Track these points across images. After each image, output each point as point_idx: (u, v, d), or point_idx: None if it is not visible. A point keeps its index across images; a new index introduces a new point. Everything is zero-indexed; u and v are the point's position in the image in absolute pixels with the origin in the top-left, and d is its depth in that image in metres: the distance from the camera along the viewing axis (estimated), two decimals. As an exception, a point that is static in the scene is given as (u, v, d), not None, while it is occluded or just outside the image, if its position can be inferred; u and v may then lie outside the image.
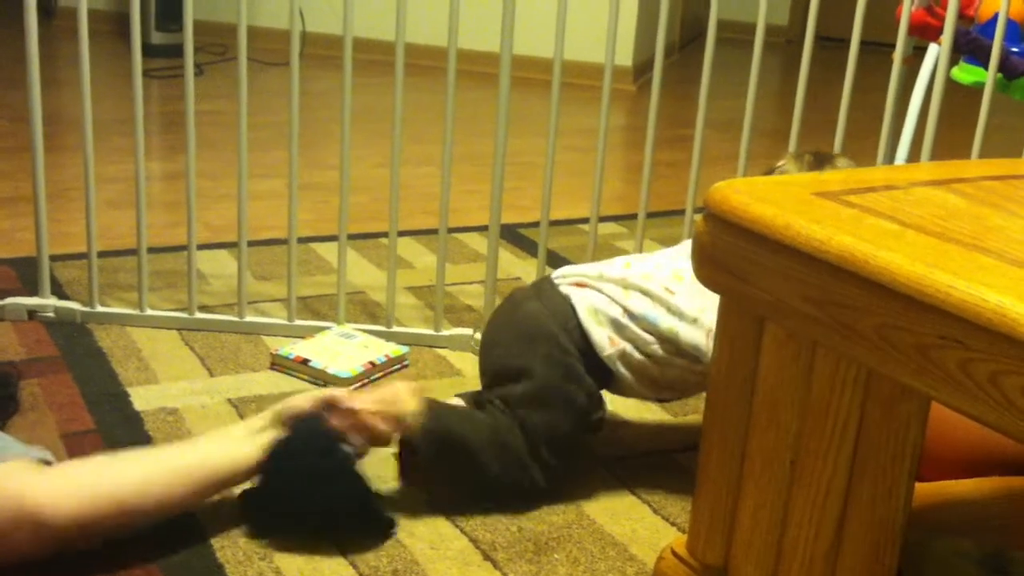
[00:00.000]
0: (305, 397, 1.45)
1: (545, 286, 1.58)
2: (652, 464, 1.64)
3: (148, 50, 4.03)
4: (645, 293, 1.53)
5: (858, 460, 1.10)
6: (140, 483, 1.31)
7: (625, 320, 1.51)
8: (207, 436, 1.46)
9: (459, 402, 1.56)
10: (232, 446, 1.39)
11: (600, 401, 1.54)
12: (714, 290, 1.22)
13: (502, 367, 1.54)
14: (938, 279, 0.97)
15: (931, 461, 1.38)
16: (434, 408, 1.48)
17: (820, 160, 1.63)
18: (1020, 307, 0.90)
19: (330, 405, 1.43)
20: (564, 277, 1.58)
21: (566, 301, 1.54)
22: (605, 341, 1.51)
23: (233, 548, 1.36)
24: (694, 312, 1.50)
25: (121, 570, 1.30)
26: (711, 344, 1.45)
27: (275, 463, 1.38)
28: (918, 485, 1.24)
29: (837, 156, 1.66)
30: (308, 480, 1.37)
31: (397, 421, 1.45)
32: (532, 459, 1.48)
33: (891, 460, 1.08)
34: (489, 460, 1.46)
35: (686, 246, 1.59)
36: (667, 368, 1.53)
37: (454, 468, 1.48)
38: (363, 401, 1.45)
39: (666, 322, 1.50)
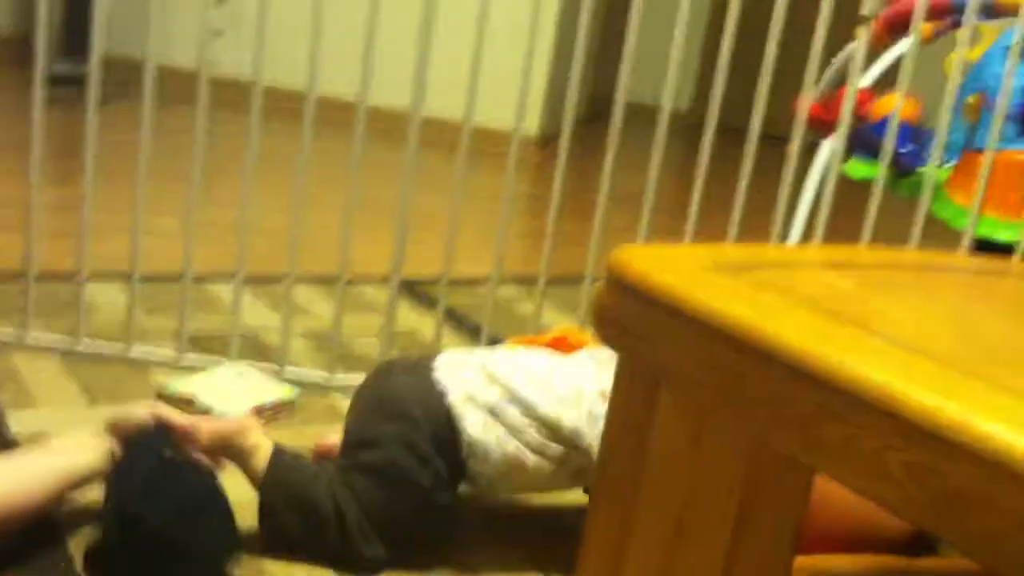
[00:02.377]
0: (142, 411, 1.42)
1: (418, 366, 1.53)
2: (539, 521, 1.64)
3: (50, 79, 3.99)
4: (526, 377, 1.50)
5: (742, 529, 1.12)
6: None
7: (504, 403, 1.47)
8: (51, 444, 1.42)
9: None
10: (79, 450, 1.36)
11: (448, 485, 1.48)
12: (613, 349, 1.25)
13: (356, 435, 1.50)
14: (827, 354, 1.00)
15: (808, 534, 1.42)
16: (280, 460, 1.45)
17: None
18: (904, 386, 0.94)
19: (166, 425, 1.41)
20: (442, 363, 1.52)
21: (435, 382, 1.48)
22: (479, 426, 1.46)
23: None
24: (573, 393, 1.49)
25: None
26: (592, 425, 1.48)
27: (126, 490, 1.35)
28: (798, 559, 1.28)
29: None
30: (176, 509, 1.34)
31: (233, 455, 1.43)
32: (364, 536, 1.44)
33: (774, 530, 1.11)
34: (328, 526, 1.43)
35: (565, 359, 1.60)
36: (540, 457, 1.49)
37: (295, 525, 1.44)
38: (201, 429, 1.43)
39: (547, 406, 1.48)
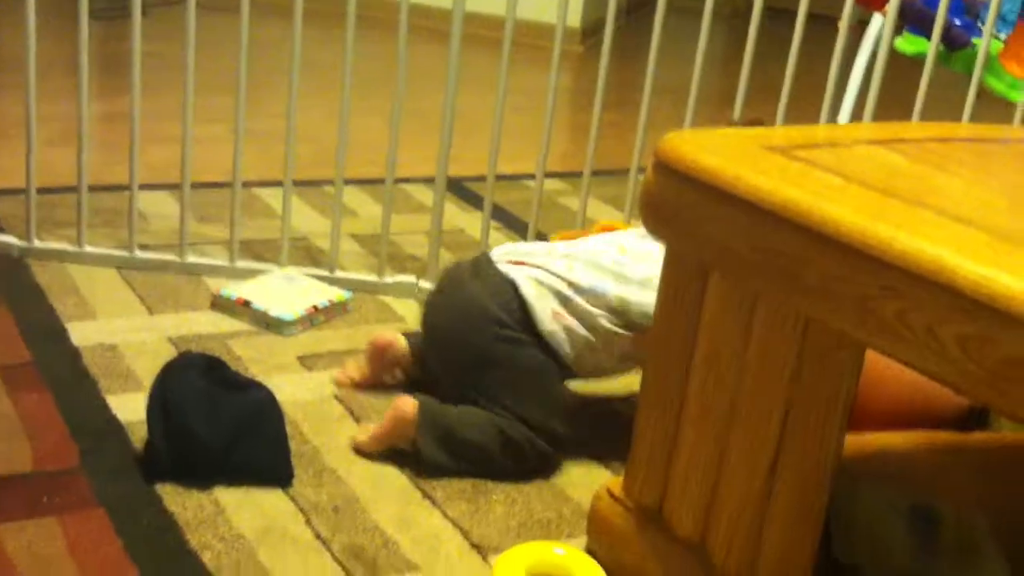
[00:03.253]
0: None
1: (483, 264, 1.54)
2: (590, 412, 1.66)
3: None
4: (591, 264, 1.51)
5: (793, 407, 1.13)
6: None
7: (571, 293, 1.49)
8: None
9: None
10: None
11: (556, 346, 1.50)
12: (660, 239, 1.25)
13: (461, 360, 1.51)
14: (879, 231, 0.99)
15: (862, 414, 1.42)
16: (431, 416, 1.46)
17: (755, 127, 1.63)
18: (957, 259, 0.93)
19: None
20: (504, 255, 1.55)
21: (505, 279, 1.50)
22: (548, 314, 1.48)
23: (171, 482, 1.36)
24: (642, 278, 1.50)
25: (61, 507, 1.30)
26: None
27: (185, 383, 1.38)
28: (849, 437, 1.29)
29: (762, 121, 1.66)
30: (227, 403, 1.38)
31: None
32: (541, 437, 1.46)
33: (824, 407, 1.11)
34: (501, 459, 1.45)
35: (622, 233, 1.60)
36: (610, 344, 1.50)
37: (468, 467, 1.46)
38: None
39: (615, 291, 1.49)
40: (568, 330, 1.49)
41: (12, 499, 1.30)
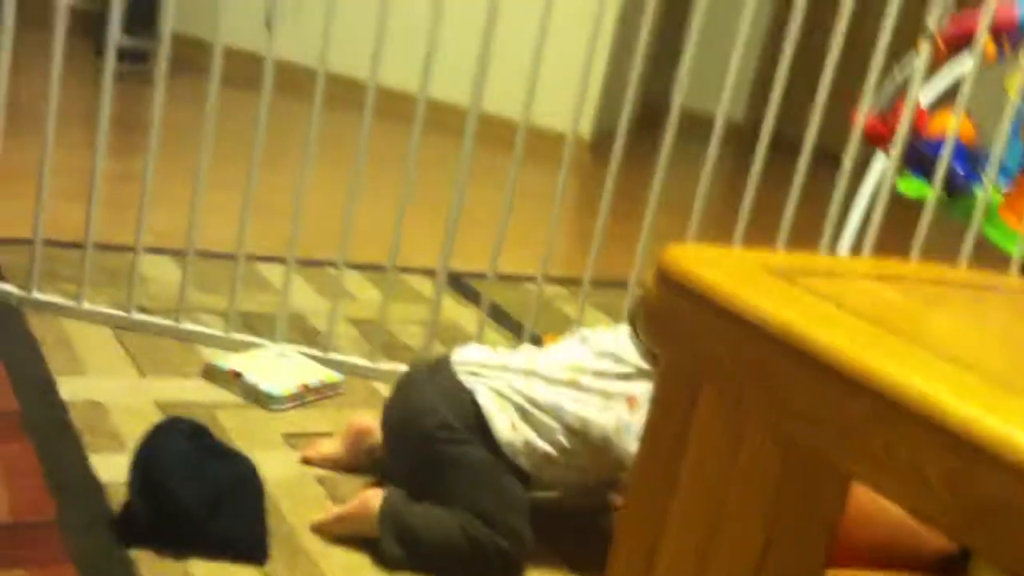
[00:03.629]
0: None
1: (443, 369, 1.54)
2: (569, 524, 1.66)
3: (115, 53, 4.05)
4: (549, 381, 1.51)
5: (776, 531, 1.13)
6: None
7: (529, 407, 1.49)
8: None
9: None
10: None
11: (513, 458, 1.49)
12: (658, 349, 1.26)
13: (413, 460, 1.52)
14: (870, 361, 1.01)
15: (845, 550, 1.42)
16: (393, 512, 1.46)
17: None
18: (946, 397, 0.95)
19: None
20: (464, 364, 1.54)
21: (462, 387, 1.50)
22: (507, 425, 1.48)
23: (145, 548, 1.35)
24: (601, 394, 1.49)
25: (33, 560, 1.29)
26: (621, 433, 1.48)
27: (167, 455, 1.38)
28: (833, 572, 1.28)
29: None
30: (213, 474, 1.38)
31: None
32: (501, 535, 1.45)
33: (808, 535, 1.12)
34: (463, 559, 1.44)
35: (579, 339, 1.59)
36: (572, 460, 1.50)
37: (426, 565, 1.45)
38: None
39: (572, 407, 1.48)
40: (527, 443, 1.48)
41: (-17, 548, 1.29)
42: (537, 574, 1.49)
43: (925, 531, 1.41)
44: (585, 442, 1.49)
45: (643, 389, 1.48)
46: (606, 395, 1.49)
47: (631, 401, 1.48)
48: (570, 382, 1.50)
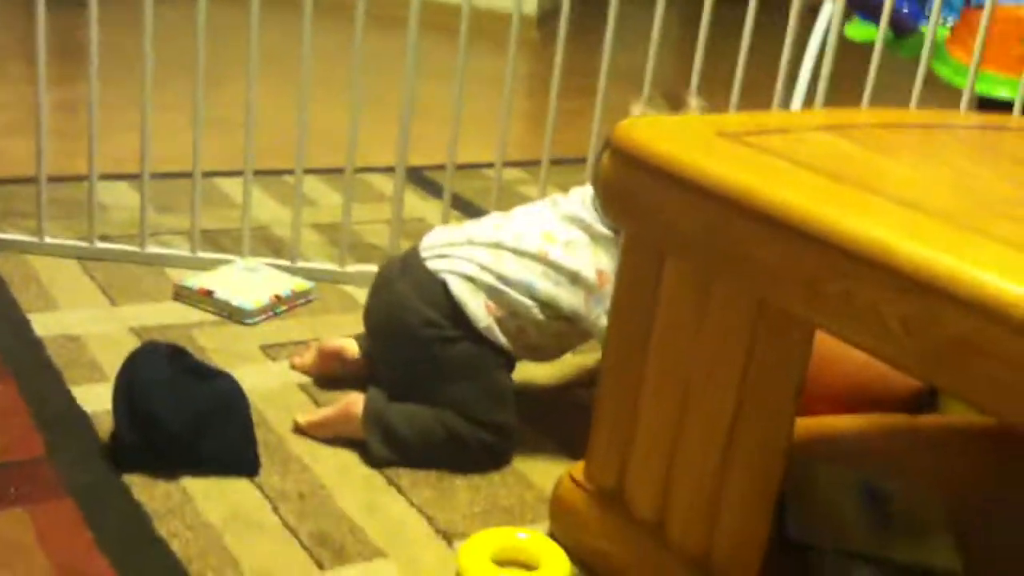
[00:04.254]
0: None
1: (412, 262, 1.54)
2: (550, 399, 1.69)
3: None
4: (519, 254, 1.50)
5: (747, 386, 1.16)
6: None
7: (501, 286, 1.49)
8: None
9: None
10: None
11: (497, 348, 1.51)
12: (618, 223, 1.28)
13: (398, 360, 1.52)
14: (826, 214, 1.03)
15: (814, 397, 1.46)
16: (376, 414, 1.48)
17: (673, 101, 1.62)
18: (899, 240, 0.97)
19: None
20: (431, 249, 1.54)
21: (434, 278, 1.50)
22: (482, 310, 1.49)
23: (139, 473, 1.37)
24: (570, 272, 1.49)
25: (29, 497, 1.31)
26: (591, 306, 1.50)
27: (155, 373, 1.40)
28: (803, 419, 1.32)
29: (689, 95, 1.65)
30: (197, 389, 1.41)
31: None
32: (483, 429, 1.47)
33: (777, 386, 1.15)
34: (446, 454, 1.47)
35: (549, 203, 1.58)
36: (545, 331, 1.52)
37: (414, 463, 1.48)
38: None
39: (543, 286, 1.49)
40: (500, 322, 1.49)
41: (-22, 490, 1.31)
42: (522, 455, 1.53)
43: (891, 372, 1.45)
44: (557, 315, 1.50)
45: (611, 260, 1.49)
46: (574, 272, 1.49)
47: (600, 275, 1.49)
48: (539, 255, 1.50)
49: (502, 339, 1.50)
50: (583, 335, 1.55)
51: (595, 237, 1.51)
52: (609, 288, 1.44)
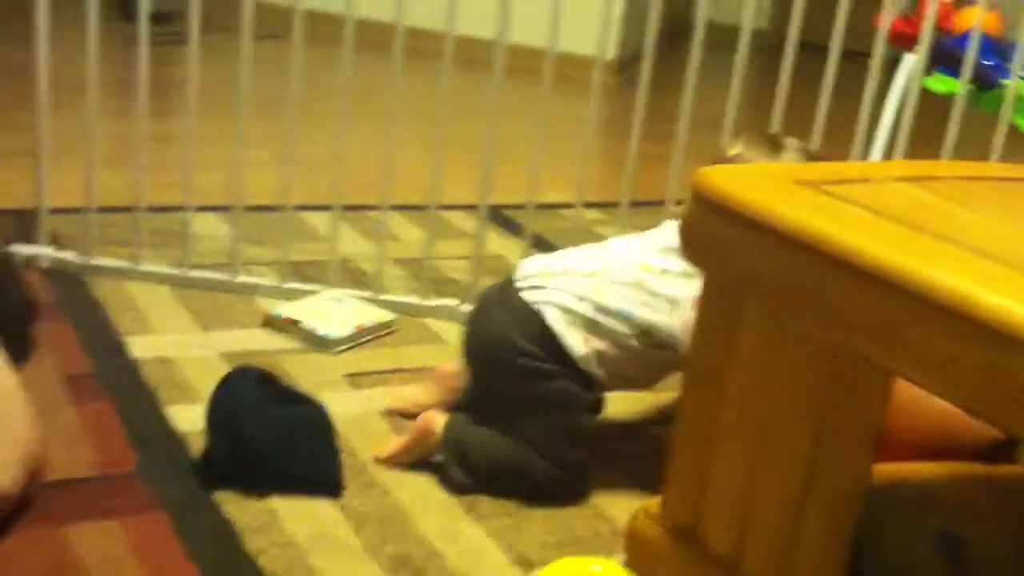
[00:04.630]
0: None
1: (509, 294, 1.57)
2: (626, 435, 1.72)
3: (135, 15, 4.08)
4: (616, 283, 1.53)
5: (824, 431, 1.18)
6: None
7: (599, 316, 1.51)
8: None
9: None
10: None
11: (590, 382, 1.54)
12: (698, 267, 1.31)
13: (491, 388, 1.57)
14: (905, 262, 1.05)
15: (891, 444, 1.47)
16: (454, 435, 1.53)
17: (774, 143, 1.64)
18: (980, 290, 0.99)
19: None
20: (526, 279, 1.57)
21: (530, 310, 1.53)
22: (579, 342, 1.51)
23: (228, 491, 1.43)
24: (668, 298, 1.52)
25: (124, 510, 1.37)
26: (688, 335, 1.52)
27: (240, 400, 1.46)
28: (879, 465, 1.33)
29: (787, 138, 1.67)
30: (282, 418, 1.46)
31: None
32: (555, 466, 1.51)
33: (854, 432, 1.17)
34: (513, 484, 1.51)
35: (648, 236, 1.62)
36: (640, 361, 1.54)
37: (484, 487, 1.52)
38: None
39: (641, 313, 1.52)
40: (599, 353, 1.52)
41: (77, 502, 1.37)
42: (597, 488, 1.56)
43: (969, 421, 1.45)
44: (653, 343, 1.53)
45: None
46: (672, 299, 1.52)
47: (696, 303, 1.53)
48: (636, 283, 1.53)
49: (597, 370, 1.52)
50: (676, 364, 1.57)
51: (689, 267, 1.55)
52: None
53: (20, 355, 1.62)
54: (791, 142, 1.65)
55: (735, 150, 1.65)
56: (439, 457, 1.53)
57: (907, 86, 2.11)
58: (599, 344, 1.52)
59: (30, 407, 1.35)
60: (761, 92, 3.88)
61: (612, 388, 1.59)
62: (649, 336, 1.52)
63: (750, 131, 1.70)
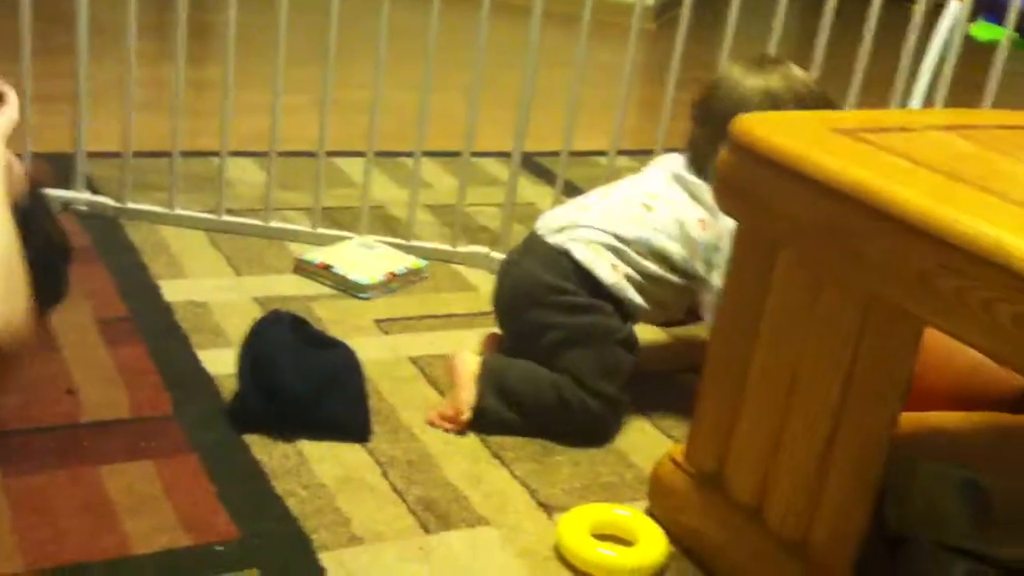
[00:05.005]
0: None
1: (532, 242, 1.63)
2: (653, 382, 1.72)
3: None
4: (629, 216, 1.59)
5: (853, 379, 1.18)
6: None
7: (620, 245, 1.57)
8: None
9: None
10: None
11: (625, 316, 1.58)
12: (733, 216, 1.30)
13: (524, 330, 1.59)
14: (941, 212, 1.04)
15: (920, 394, 1.46)
16: (492, 368, 1.54)
17: (760, 64, 1.63)
18: (1016, 241, 0.97)
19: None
20: (547, 227, 1.63)
21: (557, 250, 1.58)
22: (608, 270, 1.56)
23: (258, 433, 1.45)
24: (676, 222, 1.58)
25: (157, 451, 1.39)
26: (697, 257, 1.58)
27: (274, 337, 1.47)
28: (906, 415, 1.33)
29: (778, 63, 1.64)
30: (314, 357, 1.48)
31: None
32: (592, 397, 1.53)
33: (884, 381, 1.16)
34: (552, 414, 1.53)
35: (650, 169, 1.70)
36: (667, 288, 1.60)
37: (521, 418, 1.53)
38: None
39: (657, 239, 1.58)
40: (629, 278, 1.58)
41: (112, 443, 1.39)
42: (623, 435, 1.56)
43: (998, 372, 1.44)
44: (672, 268, 1.59)
45: (707, 210, 1.57)
46: (680, 221, 1.58)
47: (701, 223, 1.58)
48: (643, 211, 1.60)
49: (632, 295, 1.57)
50: (695, 290, 1.62)
51: (693, 191, 1.60)
52: (709, 235, 1.56)
53: (53, 297, 1.64)
54: (778, 65, 1.63)
55: (719, 74, 1.69)
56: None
57: (950, 33, 2.07)
58: (627, 270, 1.57)
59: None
60: (804, 35, 3.81)
61: (647, 319, 1.64)
62: (667, 263, 1.58)
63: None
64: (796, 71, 1.63)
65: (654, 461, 1.42)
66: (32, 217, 1.57)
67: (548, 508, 1.39)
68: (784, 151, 1.19)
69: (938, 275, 1.03)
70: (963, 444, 1.47)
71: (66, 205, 2.01)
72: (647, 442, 1.55)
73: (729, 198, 1.28)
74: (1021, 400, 1.55)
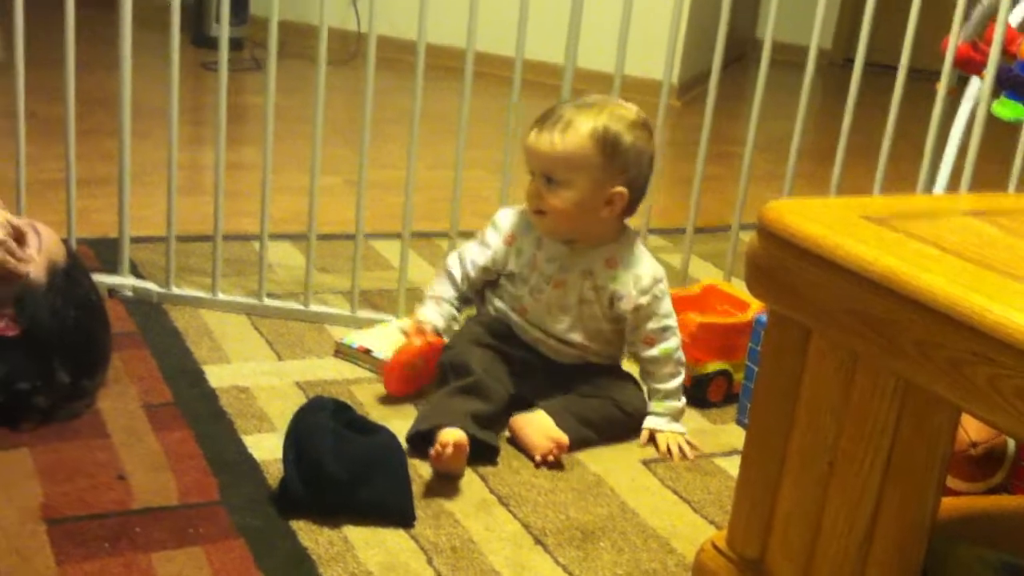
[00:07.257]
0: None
1: None
2: (693, 469, 1.73)
3: (205, 41, 4.15)
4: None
5: (891, 465, 1.19)
6: None
7: None
8: None
9: None
10: None
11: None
12: (764, 301, 1.33)
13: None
14: (973, 300, 1.06)
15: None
16: (565, 411, 1.78)
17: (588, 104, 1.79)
18: (1047, 330, 1.00)
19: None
20: None
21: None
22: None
23: (303, 517, 1.47)
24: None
25: (205, 537, 1.42)
26: None
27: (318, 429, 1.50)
28: (944, 499, 1.34)
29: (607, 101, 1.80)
30: (357, 446, 1.50)
31: None
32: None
33: (922, 466, 1.18)
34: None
35: None
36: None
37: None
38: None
39: None
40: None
41: (162, 529, 1.42)
42: (664, 522, 1.57)
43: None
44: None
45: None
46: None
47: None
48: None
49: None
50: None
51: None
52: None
53: (91, 369, 1.69)
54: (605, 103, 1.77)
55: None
56: None
57: (973, 111, 2.11)
58: None
59: None
60: (824, 111, 3.85)
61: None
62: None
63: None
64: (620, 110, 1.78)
65: (696, 547, 1.43)
66: (72, 274, 1.64)
67: (590, 592, 1.41)
68: (814, 239, 1.22)
69: (970, 363, 1.05)
70: (1000, 526, 1.48)
71: (112, 291, 2.07)
72: (688, 528, 1.57)
73: (760, 284, 1.31)
74: (983, 457, 1.55)
